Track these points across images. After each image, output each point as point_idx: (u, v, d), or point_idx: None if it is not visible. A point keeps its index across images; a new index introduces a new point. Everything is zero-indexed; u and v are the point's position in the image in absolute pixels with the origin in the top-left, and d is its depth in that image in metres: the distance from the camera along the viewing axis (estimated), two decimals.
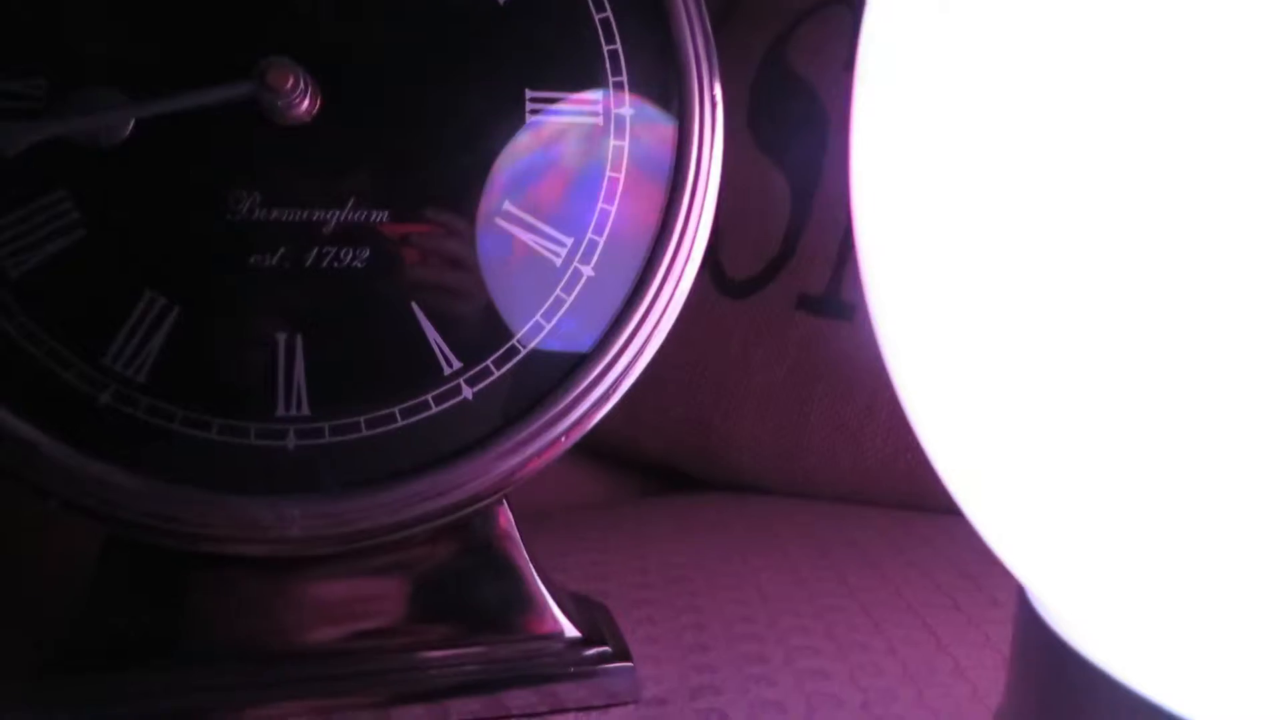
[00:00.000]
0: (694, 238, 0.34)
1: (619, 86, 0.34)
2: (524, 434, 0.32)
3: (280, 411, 0.32)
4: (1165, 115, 0.14)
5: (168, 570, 0.32)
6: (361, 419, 0.32)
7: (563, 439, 0.33)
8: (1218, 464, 0.15)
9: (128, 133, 0.31)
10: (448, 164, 0.33)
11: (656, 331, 0.33)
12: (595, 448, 0.68)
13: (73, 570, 0.34)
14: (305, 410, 0.32)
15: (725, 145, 0.34)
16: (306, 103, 0.32)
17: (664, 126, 0.34)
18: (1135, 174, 0.15)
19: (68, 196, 0.31)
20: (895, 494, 0.59)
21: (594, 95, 0.34)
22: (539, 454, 0.32)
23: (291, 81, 0.31)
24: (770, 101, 0.70)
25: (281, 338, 0.32)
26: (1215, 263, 0.14)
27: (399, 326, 0.32)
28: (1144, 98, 0.14)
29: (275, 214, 0.32)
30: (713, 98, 0.34)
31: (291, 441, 0.32)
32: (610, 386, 0.33)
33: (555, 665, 0.33)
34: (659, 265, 0.33)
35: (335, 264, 0.32)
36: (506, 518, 0.34)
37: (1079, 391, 0.16)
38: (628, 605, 0.41)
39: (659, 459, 0.68)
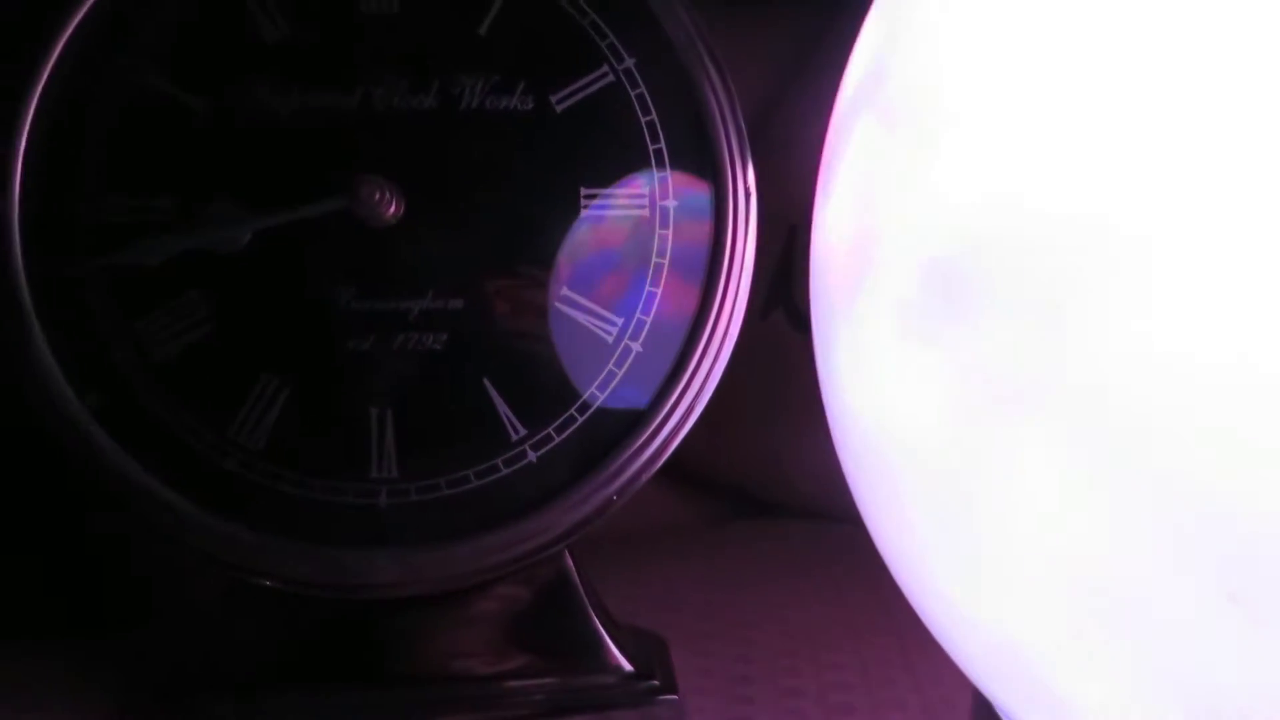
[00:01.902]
0: (730, 314, 0.38)
1: (664, 181, 0.38)
2: (580, 493, 0.37)
3: (373, 474, 0.37)
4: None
5: (280, 608, 0.38)
6: (442, 480, 0.37)
7: (614, 497, 0.37)
8: None
9: (246, 241, 0.37)
10: (512, 256, 0.38)
11: (699, 399, 0.38)
12: (675, 473, 0.72)
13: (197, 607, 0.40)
14: (394, 473, 0.37)
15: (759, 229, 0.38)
16: (391, 210, 0.37)
17: (703, 216, 0.38)
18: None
19: (199, 296, 0.37)
20: None
21: (641, 190, 0.38)
22: (595, 511, 0.37)
23: (378, 194, 0.36)
24: None
25: (374, 411, 0.37)
26: None
27: (473, 399, 0.37)
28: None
29: (368, 305, 0.37)
30: (746, 189, 0.38)
31: (383, 500, 0.37)
32: (658, 449, 0.37)
33: (608, 697, 0.38)
34: (699, 340, 0.38)
35: (418, 347, 0.37)
36: (569, 563, 0.39)
37: None
38: (689, 637, 0.45)
39: (735, 485, 0.71)
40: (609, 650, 0.39)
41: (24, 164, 0.35)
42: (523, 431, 0.38)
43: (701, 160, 0.38)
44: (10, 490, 0.50)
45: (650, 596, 0.51)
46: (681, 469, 0.72)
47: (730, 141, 0.38)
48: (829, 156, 0.30)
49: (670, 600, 0.51)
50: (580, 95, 0.38)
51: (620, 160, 0.38)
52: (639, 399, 0.38)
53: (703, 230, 0.38)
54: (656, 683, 0.38)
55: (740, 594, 0.51)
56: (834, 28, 0.69)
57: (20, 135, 0.35)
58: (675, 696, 0.38)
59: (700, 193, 0.38)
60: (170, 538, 0.36)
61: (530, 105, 0.38)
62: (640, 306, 0.38)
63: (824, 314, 0.29)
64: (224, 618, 0.38)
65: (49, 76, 0.36)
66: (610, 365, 0.38)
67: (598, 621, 0.39)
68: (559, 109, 0.38)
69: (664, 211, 0.38)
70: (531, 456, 0.38)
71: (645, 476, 0.38)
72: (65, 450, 0.36)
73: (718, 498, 0.74)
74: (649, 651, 0.41)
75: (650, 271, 0.38)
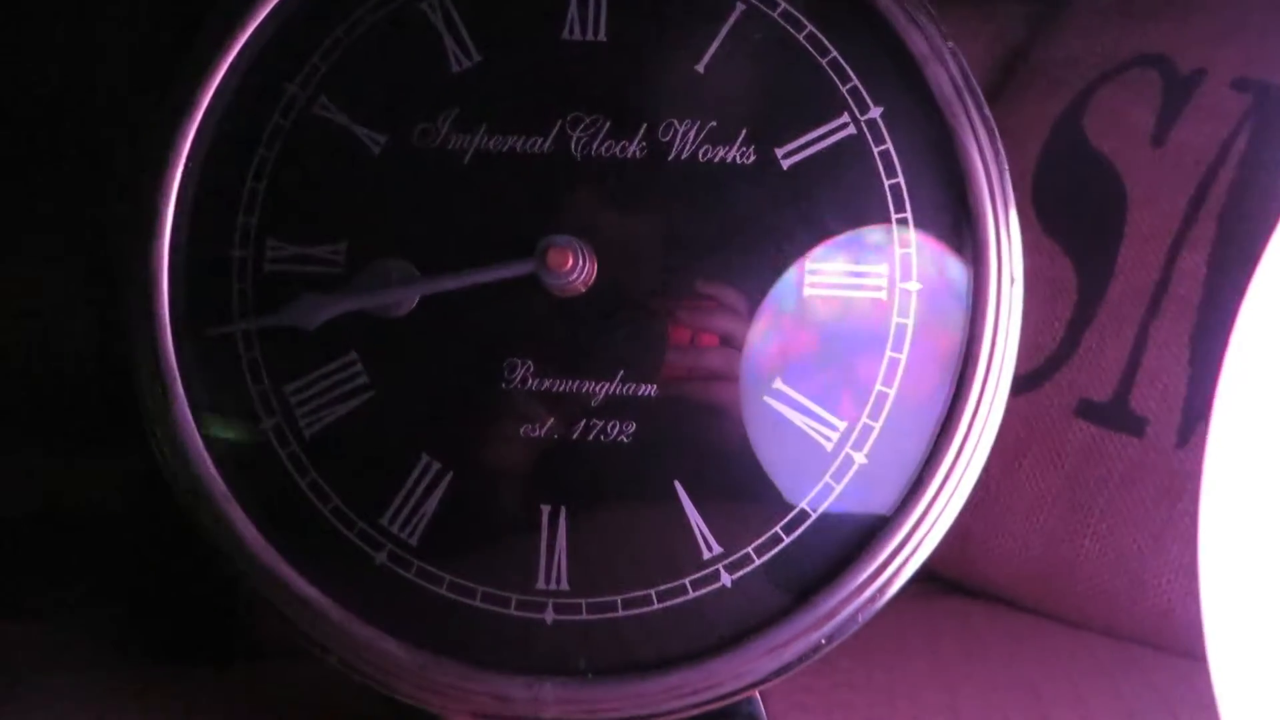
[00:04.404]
0: (982, 433, 0.31)
1: (906, 259, 0.31)
2: (782, 634, 0.31)
3: (540, 584, 0.32)
4: None
5: None
6: (619, 598, 0.32)
7: (824, 641, 0.31)
8: None
9: (415, 303, 0.32)
10: (719, 339, 0.32)
11: (936, 529, 0.31)
12: None
13: None
14: (564, 585, 0.32)
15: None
16: (583, 277, 0.31)
17: (955, 306, 0.31)
18: None
19: (358, 360, 0.32)
20: (1184, 642, 0.52)
21: (878, 268, 0.32)
22: (799, 657, 0.31)
23: (571, 262, 0.30)
24: (1060, 177, 0.64)
25: (546, 509, 0.32)
26: None
27: (661, 505, 0.32)
28: None
29: (547, 384, 0.32)
30: (1011, 275, 0.31)
31: (549, 615, 0.32)
32: (880, 588, 0.31)
33: None
34: (940, 460, 0.31)
35: (601, 437, 0.32)
36: (759, 709, 0.33)
37: None
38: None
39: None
40: None
41: (177, 205, 0.31)
42: (717, 549, 0.32)
43: (957, 237, 0.31)
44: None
45: (822, 690, 0.45)
46: None
47: (997, 216, 0.31)
48: None
49: (844, 696, 0.44)
50: (812, 149, 0.32)
51: (855, 230, 0.32)
52: (859, 522, 0.31)
53: (953, 323, 0.31)
54: None
55: (921, 691, 0.44)
56: None
57: (174, 171, 0.31)
58: None
59: (952, 277, 0.31)
60: (311, 640, 0.31)
61: (751, 158, 0.32)
62: (869, 410, 0.31)
63: None
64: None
65: (209, 105, 0.31)
66: (827, 478, 0.31)
67: None
68: (785, 164, 0.32)
69: (904, 296, 0.31)
70: (726, 580, 0.31)
71: (864, 618, 0.31)
72: (199, 527, 0.32)
73: None
74: None
75: (883, 367, 0.31)
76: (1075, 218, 0.62)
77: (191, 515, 0.32)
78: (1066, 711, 0.42)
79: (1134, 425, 0.56)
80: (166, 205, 0.31)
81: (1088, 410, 0.58)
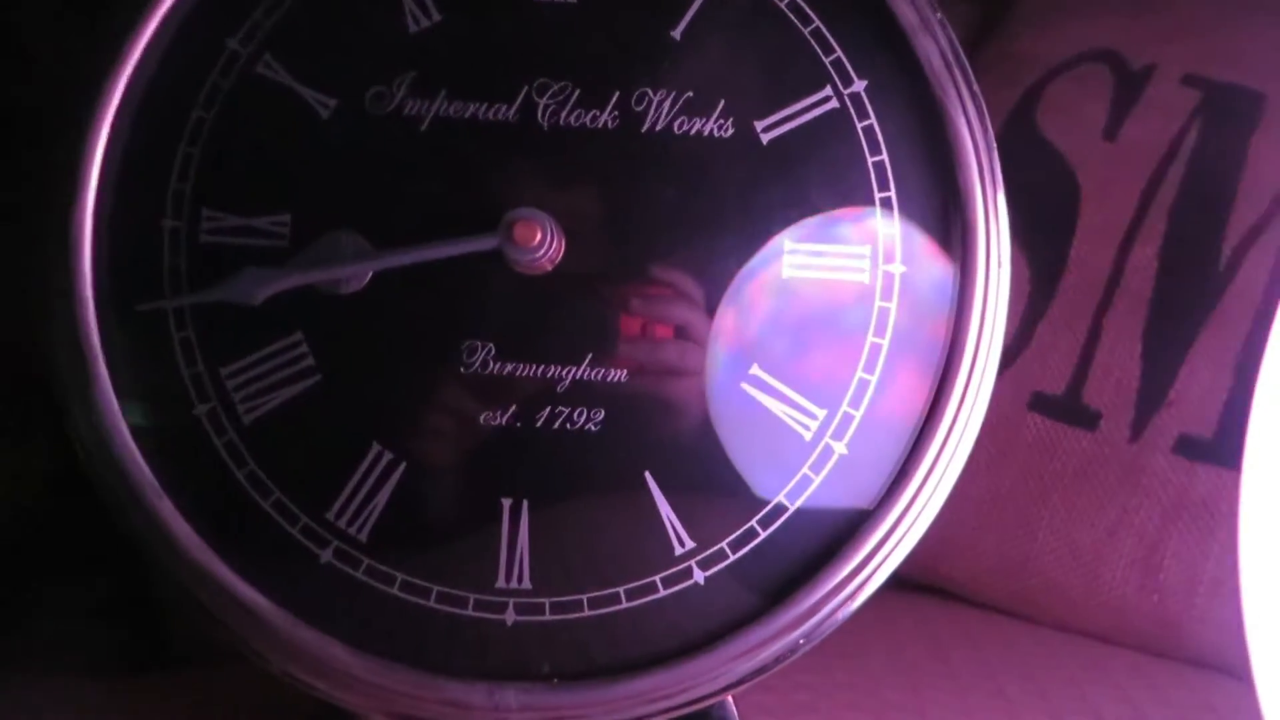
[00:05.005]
0: (968, 422, 0.29)
1: (889, 241, 0.30)
2: (757, 634, 0.29)
3: (500, 583, 0.30)
4: None
5: None
6: (584, 597, 0.30)
7: (801, 642, 0.29)
8: None
9: (368, 279, 0.29)
10: (692, 321, 0.30)
11: (919, 523, 0.30)
12: None
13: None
14: (526, 583, 0.30)
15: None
16: (550, 253, 0.29)
17: (940, 291, 0.30)
18: None
19: (303, 341, 0.30)
20: (1136, 635, 0.52)
21: (861, 250, 0.30)
22: (775, 658, 0.29)
23: (540, 237, 0.28)
24: (1014, 169, 0.63)
25: (507, 502, 0.30)
26: None
27: (630, 498, 0.30)
28: None
29: (509, 368, 0.30)
30: (999, 259, 0.30)
31: (510, 616, 0.29)
32: (860, 585, 0.29)
33: None
34: (924, 450, 0.29)
35: (568, 425, 0.30)
36: (731, 711, 0.31)
37: None
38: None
39: None
40: None
41: (102, 169, 0.28)
42: (690, 544, 0.30)
43: (943, 219, 0.30)
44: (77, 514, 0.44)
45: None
46: None
47: (986, 198, 0.29)
48: None
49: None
50: (793, 123, 0.30)
51: (837, 209, 0.30)
52: (839, 515, 0.30)
53: (938, 308, 0.30)
54: None
55: (880, 686, 0.43)
56: None
57: (97, 132, 0.28)
58: None
59: (938, 260, 0.30)
60: (249, 648, 0.29)
61: (729, 132, 0.30)
62: (848, 397, 0.30)
63: None
64: None
65: (139, 60, 0.28)
66: (806, 469, 0.30)
67: None
68: (765, 139, 0.30)
69: (887, 279, 0.30)
70: (699, 576, 0.30)
71: (840, 617, 0.29)
72: (124, 524, 0.29)
73: None
74: None
75: (865, 353, 0.30)
76: (1028, 211, 0.62)
77: (116, 512, 0.29)
78: (1035, 712, 0.41)
79: (1087, 418, 0.56)
80: (90, 168, 0.29)
81: (1041, 403, 0.58)
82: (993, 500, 0.57)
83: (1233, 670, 0.48)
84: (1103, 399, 0.54)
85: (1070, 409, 0.56)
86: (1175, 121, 0.56)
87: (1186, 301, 0.53)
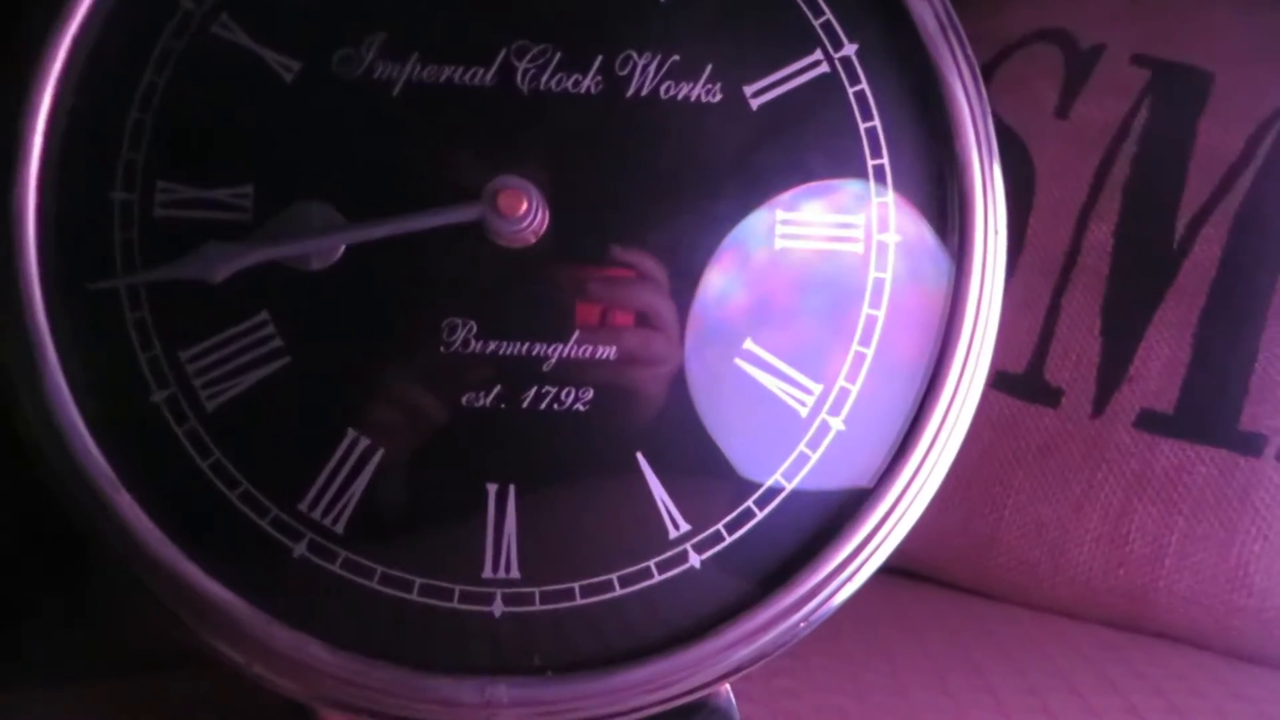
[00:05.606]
0: (968, 396, 0.29)
1: (883, 210, 0.29)
2: (756, 618, 0.28)
3: (487, 573, 0.28)
4: None
5: None
6: (576, 585, 0.28)
7: (802, 625, 0.28)
8: None
9: (339, 255, 0.27)
10: (682, 295, 0.29)
11: (919, 501, 0.29)
12: None
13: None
14: (515, 572, 0.28)
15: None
16: (534, 225, 0.28)
17: (936, 259, 0.29)
18: None
19: (270, 321, 0.28)
20: (1105, 609, 0.53)
21: (854, 219, 0.29)
22: (775, 643, 0.28)
23: (525, 207, 0.27)
24: None
25: (492, 488, 0.28)
26: None
27: (622, 480, 0.29)
28: None
29: (492, 346, 0.28)
30: (996, 227, 0.29)
31: (498, 608, 0.28)
32: (860, 565, 0.28)
33: None
34: (924, 425, 0.29)
35: (555, 406, 0.28)
36: (729, 700, 0.30)
37: None
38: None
39: None
40: None
41: (45, 138, 0.26)
42: (684, 527, 0.29)
43: (939, 186, 0.29)
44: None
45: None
46: None
47: (983, 165, 0.29)
48: None
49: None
50: (783, 88, 0.29)
51: (829, 177, 0.29)
52: (838, 494, 0.29)
53: (935, 278, 0.29)
54: None
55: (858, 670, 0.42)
56: None
57: (41, 97, 0.26)
58: None
59: (934, 229, 0.29)
60: (221, 650, 0.27)
61: (718, 97, 0.29)
62: (845, 372, 0.29)
63: None
64: None
65: (84, 19, 0.26)
66: (803, 446, 0.29)
67: None
68: (754, 104, 0.29)
69: (882, 249, 0.29)
70: (694, 560, 0.29)
71: (840, 599, 0.29)
72: (77, 520, 0.27)
73: None
74: None
75: (860, 325, 0.29)
76: None
77: (68, 506, 0.27)
78: (1013, 690, 0.41)
79: (1049, 396, 0.56)
80: (32, 137, 0.26)
81: (1003, 382, 0.58)
82: (957, 480, 0.57)
83: (1198, 642, 0.49)
84: (1064, 376, 0.54)
85: (1032, 387, 0.57)
86: (1125, 100, 0.56)
87: (1143, 278, 0.53)
